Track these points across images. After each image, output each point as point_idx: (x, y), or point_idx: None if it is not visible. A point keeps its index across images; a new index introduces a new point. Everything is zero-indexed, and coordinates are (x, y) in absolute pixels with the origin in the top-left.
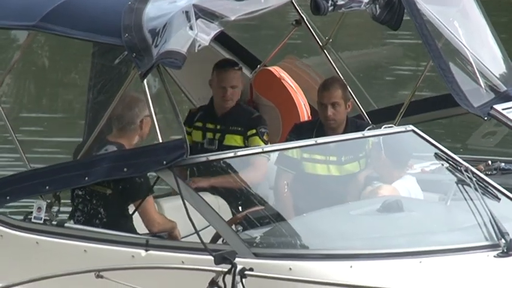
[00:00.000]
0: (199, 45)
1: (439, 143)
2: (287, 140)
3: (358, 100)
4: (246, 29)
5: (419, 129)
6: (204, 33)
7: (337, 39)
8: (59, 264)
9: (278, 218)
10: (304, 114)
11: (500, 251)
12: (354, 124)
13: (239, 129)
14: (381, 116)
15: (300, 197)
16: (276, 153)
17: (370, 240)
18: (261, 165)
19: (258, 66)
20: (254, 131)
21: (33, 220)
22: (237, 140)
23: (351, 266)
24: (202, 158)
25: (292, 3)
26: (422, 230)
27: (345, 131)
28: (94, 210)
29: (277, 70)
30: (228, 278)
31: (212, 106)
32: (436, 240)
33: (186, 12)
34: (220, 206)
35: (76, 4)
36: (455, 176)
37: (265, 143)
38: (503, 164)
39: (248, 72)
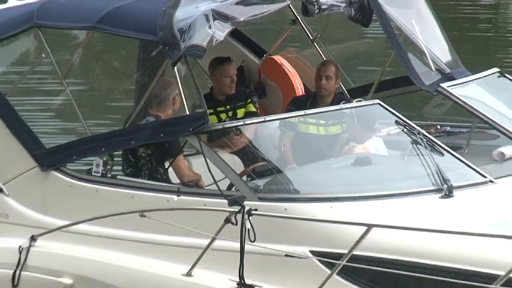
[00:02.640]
0: (216, 40)
1: (399, 112)
2: (287, 110)
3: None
4: (253, 25)
5: (385, 103)
6: (220, 31)
7: (324, 35)
8: (112, 206)
9: (277, 170)
10: (300, 91)
11: (444, 193)
12: (340, 98)
13: (242, 103)
14: (358, 92)
15: (294, 154)
16: (278, 121)
17: (346, 186)
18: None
19: (264, 55)
20: (249, 100)
21: (93, 174)
22: (242, 112)
23: (331, 206)
24: (219, 125)
25: (289, 6)
26: (385, 178)
27: (332, 102)
28: (139, 165)
29: (279, 58)
30: (239, 216)
31: (212, 94)
32: (395, 186)
33: (206, 15)
34: (235, 162)
35: (123, 10)
36: (411, 137)
37: (256, 108)
38: (448, 127)
39: (256, 60)
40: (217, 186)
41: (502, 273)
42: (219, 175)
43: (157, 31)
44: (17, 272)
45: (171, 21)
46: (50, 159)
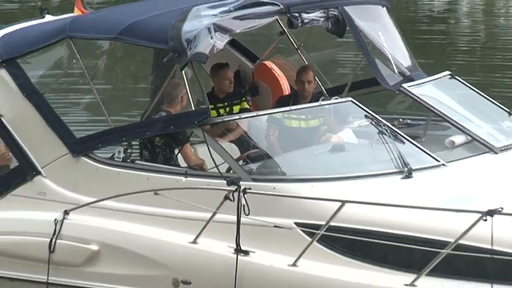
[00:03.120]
0: (217, 49)
1: (368, 108)
2: (275, 107)
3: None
4: (248, 36)
5: (357, 100)
6: (220, 41)
7: (307, 44)
8: (131, 186)
9: (267, 156)
10: (286, 91)
11: (405, 175)
12: (317, 96)
13: (238, 101)
14: (334, 91)
15: (280, 143)
16: (267, 116)
17: (324, 169)
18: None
19: (257, 61)
20: (244, 98)
21: (115, 159)
22: (238, 108)
23: (312, 186)
24: (219, 119)
25: (277, 21)
26: (356, 162)
27: (311, 100)
28: (154, 152)
29: (269, 63)
30: (235, 194)
31: (213, 93)
32: (365, 169)
33: (208, 28)
34: (232, 149)
35: (140, 23)
36: (378, 128)
37: (250, 105)
38: (409, 120)
39: (250, 65)
40: (218, 169)
41: (452, 240)
42: (219, 160)
43: (168, 41)
44: (53, 240)
45: (179, 33)
46: (79, 147)
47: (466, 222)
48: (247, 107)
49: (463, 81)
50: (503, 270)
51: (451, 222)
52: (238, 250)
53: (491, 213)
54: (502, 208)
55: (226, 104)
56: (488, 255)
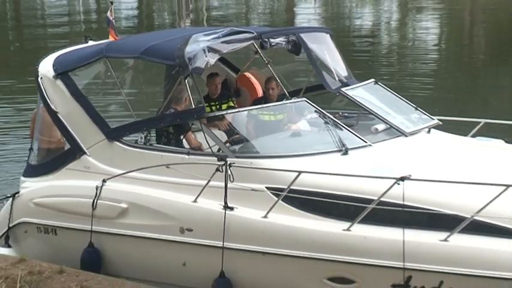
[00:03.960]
0: (210, 64)
1: (317, 105)
2: (251, 105)
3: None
4: (232, 54)
5: (310, 100)
6: (212, 58)
7: (274, 60)
8: (150, 162)
9: (246, 140)
10: (259, 94)
11: (343, 152)
12: (281, 97)
13: (225, 101)
14: (293, 94)
15: (256, 131)
16: (246, 112)
17: (286, 149)
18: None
19: (239, 72)
20: (230, 99)
21: (138, 142)
22: (226, 106)
23: (278, 161)
24: (212, 114)
25: (253, 44)
26: (309, 144)
27: (277, 101)
28: (166, 137)
29: (247, 74)
30: (223, 167)
31: (208, 95)
32: (315, 148)
33: (204, 50)
34: (221, 135)
35: (156, 46)
36: (324, 120)
37: (234, 104)
38: (346, 114)
39: (234, 75)
40: (211, 149)
41: (376, 197)
42: (212, 143)
43: (175, 59)
44: (95, 200)
45: (183, 53)
46: (113, 134)
47: (386, 185)
48: (232, 105)
49: (383, 85)
50: (411, 218)
51: (375, 185)
52: (225, 207)
53: (403, 179)
54: (411, 175)
55: (217, 103)
56: (400, 208)
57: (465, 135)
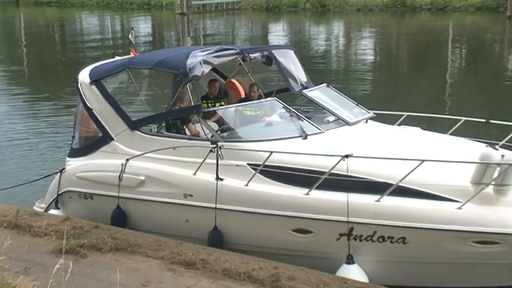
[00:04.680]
0: (204, 73)
1: (286, 103)
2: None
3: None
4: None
5: (280, 99)
6: (206, 69)
7: (254, 70)
8: (161, 145)
9: (232, 129)
10: (243, 95)
11: (303, 137)
12: (259, 97)
13: (218, 100)
14: (268, 95)
15: (240, 122)
16: (233, 108)
17: (261, 135)
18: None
19: (227, 79)
20: (222, 99)
21: (152, 131)
22: (218, 104)
23: (256, 144)
24: (207, 109)
25: (237, 58)
26: (278, 131)
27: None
28: (173, 127)
29: (233, 80)
30: (215, 149)
31: (207, 95)
32: (283, 135)
33: (200, 62)
34: (214, 125)
35: (165, 60)
36: (290, 114)
37: (225, 102)
38: (306, 109)
39: (223, 81)
40: (206, 136)
41: (327, 170)
42: (207, 131)
43: (179, 69)
44: (121, 174)
45: (184, 65)
46: (134, 125)
47: (335, 161)
48: (223, 103)
49: (333, 88)
50: (353, 185)
51: (327, 161)
52: (217, 178)
53: (347, 156)
54: (353, 153)
55: (212, 101)
56: (345, 178)
57: (393, 124)
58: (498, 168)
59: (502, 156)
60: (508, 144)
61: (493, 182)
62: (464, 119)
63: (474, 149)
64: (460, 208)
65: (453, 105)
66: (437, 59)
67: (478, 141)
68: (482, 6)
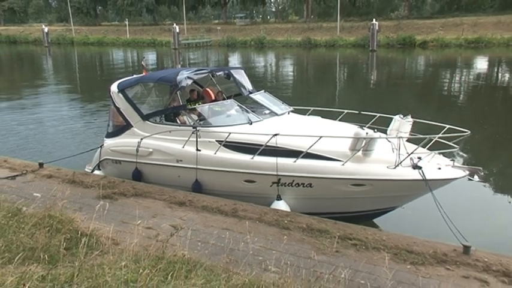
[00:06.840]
0: (188, 84)
1: (239, 102)
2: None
3: (224, 94)
4: (200, 80)
5: (236, 100)
6: (189, 82)
7: (218, 82)
8: (162, 130)
9: (206, 118)
10: (213, 98)
11: (249, 123)
12: (223, 99)
13: (198, 102)
14: (229, 97)
15: (212, 115)
16: (207, 106)
17: (223, 122)
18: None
19: (203, 88)
20: (199, 100)
21: (157, 121)
22: (197, 104)
23: (220, 128)
24: (190, 107)
25: (210, 74)
26: (234, 119)
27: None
28: (169, 119)
29: (207, 88)
30: (195, 132)
31: (189, 99)
32: (237, 122)
33: (185, 78)
34: (195, 117)
35: (165, 76)
36: (242, 108)
37: (201, 103)
38: (252, 106)
39: (200, 89)
40: (190, 124)
41: (263, 143)
42: (190, 121)
43: (173, 82)
44: (137, 148)
45: (176, 79)
46: (145, 117)
47: (268, 137)
48: (200, 103)
49: (268, 93)
50: (280, 153)
51: (264, 138)
52: (197, 149)
53: (276, 135)
54: (279, 133)
55: (193, 102)
56: (275, 148)
57: (304, 114)
58: (364, 141)
59: (367, 133)
60: (372, 126)
61: (361, 149)
62: (346, 111)
63: (351, 129)
64: (343, 165)
65: (340, 101)
66: (330, 74)
67: (355, 124)
68: (355, 44)
